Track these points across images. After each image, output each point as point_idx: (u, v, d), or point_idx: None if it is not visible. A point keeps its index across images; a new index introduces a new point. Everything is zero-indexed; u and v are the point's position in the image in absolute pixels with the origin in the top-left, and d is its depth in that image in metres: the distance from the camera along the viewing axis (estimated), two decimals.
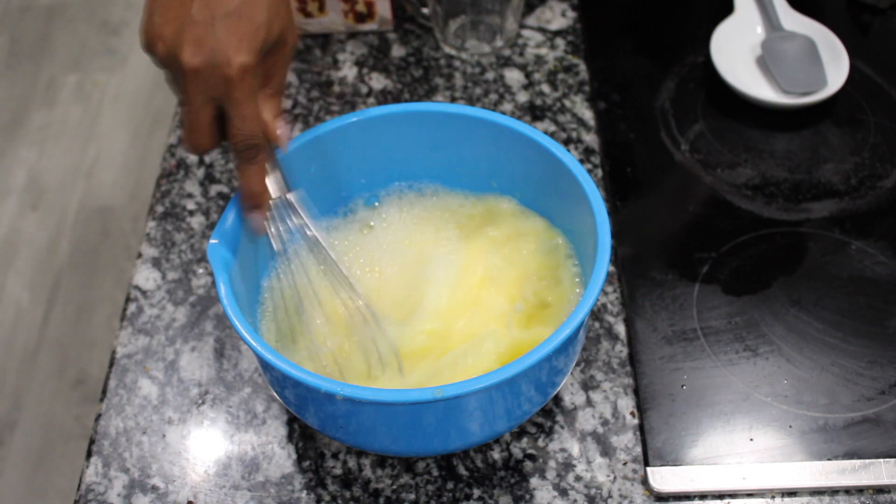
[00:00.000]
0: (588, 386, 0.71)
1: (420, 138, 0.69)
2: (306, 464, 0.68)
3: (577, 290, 0.66)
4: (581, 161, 0.84)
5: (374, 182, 0.72)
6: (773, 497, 0.65)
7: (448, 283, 0.67)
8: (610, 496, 0.65)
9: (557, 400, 0.70)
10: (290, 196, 0.63)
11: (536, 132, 0.66)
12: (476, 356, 0.62)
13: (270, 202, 0.62)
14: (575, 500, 0.65)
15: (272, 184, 0.62)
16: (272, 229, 0.63)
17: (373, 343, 0.63)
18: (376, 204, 0.72)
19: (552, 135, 0.87)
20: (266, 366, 0.60)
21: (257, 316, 0.66)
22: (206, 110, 0.56)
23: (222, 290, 0.58)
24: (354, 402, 0.54)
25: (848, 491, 0.65)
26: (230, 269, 0.59)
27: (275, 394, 0.71)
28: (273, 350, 0.56)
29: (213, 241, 0.60)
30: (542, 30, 0.96)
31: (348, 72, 0.93)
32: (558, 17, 0.98)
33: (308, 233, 0.64)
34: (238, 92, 0.55)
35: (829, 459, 0.66)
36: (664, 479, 0.65)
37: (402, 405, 0.54)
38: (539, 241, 0.69)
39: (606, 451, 0.67)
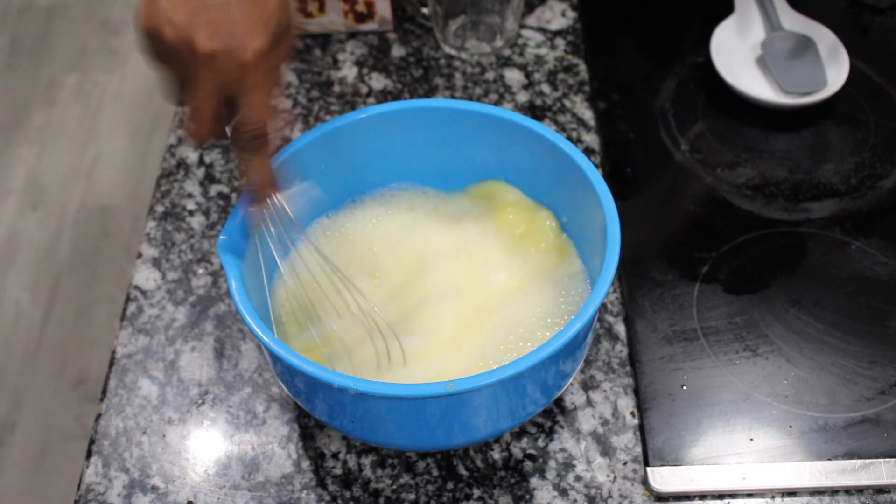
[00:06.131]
0: (588, 386, 0.71)
1: (428, 135, 0.69)
2: (306, 464, 0.67)
3: (585, 287, 0.66)
4: None
5: (381, 178, 0.72)
6: (773, 497, 0.65)
7: (455, 283, 0.67)
8: (610, 496, 0.65)
9: (557, 400, 0.70)
10: (283, 197, 0.62)
11: (546, 129, 0.66)
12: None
13: (270, 200, 0.61)
14: (575, 500, 0.65)
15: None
16: (272, 231, 0.62)
17: (382, 341, 0.63)
18: (382, 200, 0.72)
19: None
20: (276, 359, 0.60)
21: (269, 310, 0.66)
22: (213, 98, 0.56)
23: (233, 285, 0.58)
24: (365, 395, 0.54)
25: (848, 491, 0.65)
26: (240, 265, 0.60)
27: (276, 392, 0.71)
28: (285, 345, 0.56)
29: (222, 237, 0.60)
30: (542, 30, 0.96)
31: (348, 72, 0.93)
32: (558, 17, 0.98)
33: (301, 236, 0.63)
34: (252, 78, 0.55)
35: (829, 459, 0.66)
36: (664, 479, 0.65)
37: (414, 399, 0.55)
38: (546, 238, 0.69)
39: (606, 451, 0.67)
